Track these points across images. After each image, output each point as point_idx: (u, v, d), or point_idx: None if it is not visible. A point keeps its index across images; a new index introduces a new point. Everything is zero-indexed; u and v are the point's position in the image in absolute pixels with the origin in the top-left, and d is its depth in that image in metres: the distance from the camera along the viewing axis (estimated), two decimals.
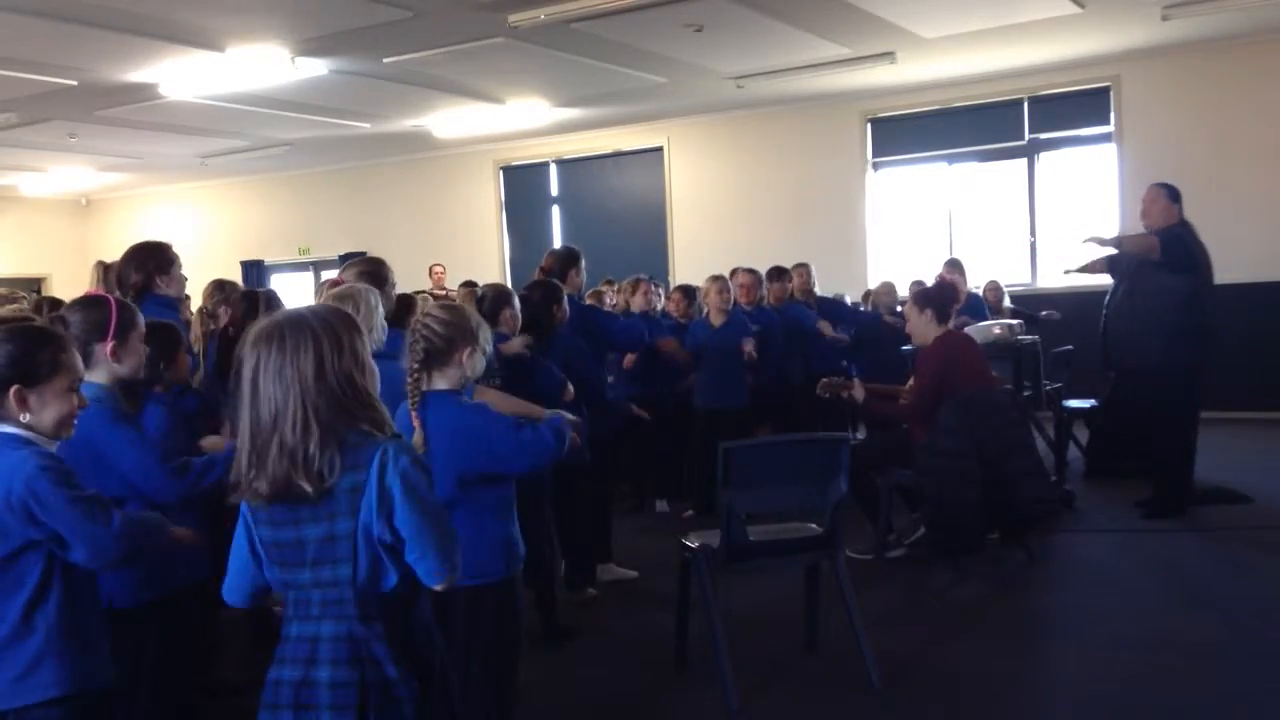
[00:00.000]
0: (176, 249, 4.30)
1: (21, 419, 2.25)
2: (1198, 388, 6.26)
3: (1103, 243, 6.38)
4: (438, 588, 2.02)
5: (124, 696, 2.59)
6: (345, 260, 14.33)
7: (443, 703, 2.13)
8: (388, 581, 2.03)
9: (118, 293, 3.69)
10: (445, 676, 2.16)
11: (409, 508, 1.98)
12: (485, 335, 2.96)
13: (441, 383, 2.89)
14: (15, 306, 4.81)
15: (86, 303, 2.90)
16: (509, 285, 6.44)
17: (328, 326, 2.02)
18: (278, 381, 1.98)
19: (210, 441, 3.31)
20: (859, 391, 5.58)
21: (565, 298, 5.03)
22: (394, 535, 2.00)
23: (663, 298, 8.24)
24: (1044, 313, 8.82)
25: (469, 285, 8.27)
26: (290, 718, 2.03)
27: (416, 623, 2.11)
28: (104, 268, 4.30)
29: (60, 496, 2.21)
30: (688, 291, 7.85)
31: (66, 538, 2.23)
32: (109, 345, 2.83)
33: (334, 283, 3.80)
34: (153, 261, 4.07)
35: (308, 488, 1.96)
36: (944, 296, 5.71)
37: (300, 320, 2.03)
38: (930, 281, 7.72)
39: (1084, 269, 6.63)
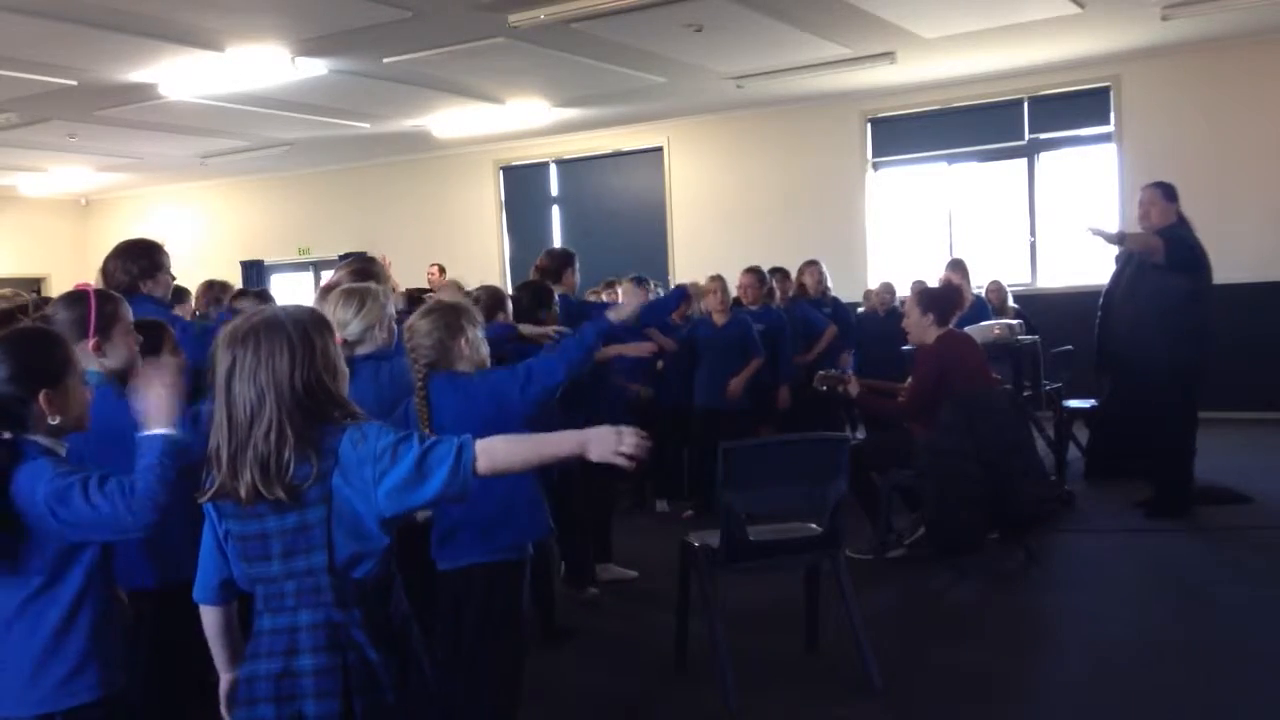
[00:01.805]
0: (176, 249, 4.28)
1: (52, 421, 2.25)
2: (1197, 388, 6.25)
3: (1107, 237, 6.37)
4: (473, 477, 1.94)
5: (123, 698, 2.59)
6: (345, 260, 14.31)
7: (420, 687, 2.12)
8: (362, 569, 2.02)
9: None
10: (421, 661, 2.15)
11: (402, 458, 1.95)
12: (470, 317, 2.99)
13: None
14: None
15: (69, 299, 2.88)
16: (508, 285, 6.47)
17: (301, 329, 2.02)
18: (252, 384, 1.97)
19: None
20: (854, 386, 5.59)
21: (555, 300, 5.05)
22: (398, 500, 1.95)
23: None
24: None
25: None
26: (271, 710, 2.01)
27: (394, 608, 2.10)
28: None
29: (72, 492, 2.18)
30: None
31: (91, 534, 2.21)
32: (91, 341, 2.81)
33: (329, 285, 3.80)
34: (137, 266, 4.03)
35: (281, 495, 1.95)
36: (948, 300, 5.70)
37: (275, 322, 2.02)
38: (928, 282, 7.73)
39: (1098, 232, 6.54)
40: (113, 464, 2.39)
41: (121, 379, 2.93)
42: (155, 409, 2.25)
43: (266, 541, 2.02)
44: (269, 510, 1.99)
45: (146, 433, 2.24)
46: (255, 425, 1.96)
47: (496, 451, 1.97)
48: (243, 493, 1.96)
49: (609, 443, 1.96)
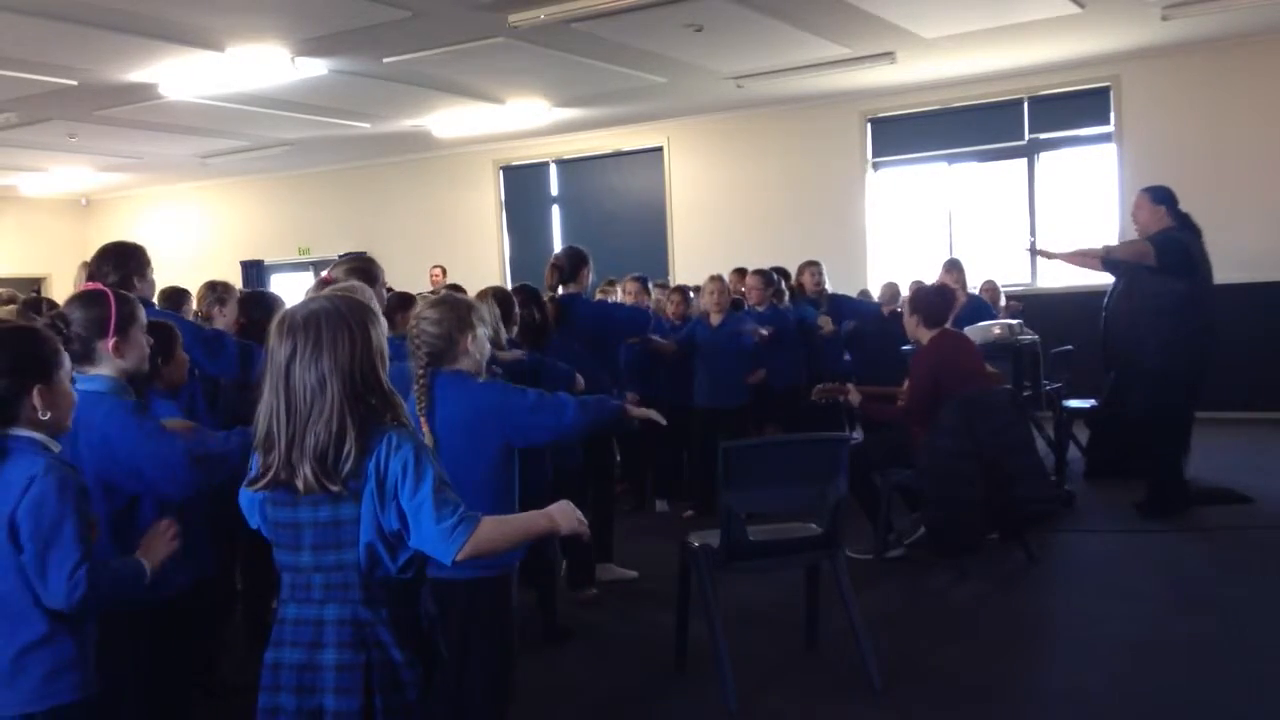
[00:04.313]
0: (176, 249, 4.28)
1: (42, 417, 2.24)
2: (1195, 391, 6.25)
3: (1101, 259, 6.37)
4: (451, 562, 1.99)
5: (113, 698, 2.58)
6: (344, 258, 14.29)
7: (445, 690, 2.13)
8: (386, 569, 2.03)
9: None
10: (448, 664, 2.17)
11: (412, 498, 1.98)
12: (479, 315, 2.95)
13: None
14: (12, 307, 4.79)
15: (86, 299, 2.85)
16: (508, 286, 6.46)
17: (358, 318, 2.04)
18: (313, 371, 1.98)
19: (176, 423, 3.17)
20: (854, 395, 5.58)
21: (545, 300, 5.06)
22: (401, 521, 2.00)
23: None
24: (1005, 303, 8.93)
25: (453, 289, 8.20)
26: (293, 700, 2.04)
27: (422, 609, 2.12)
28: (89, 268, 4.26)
29: (50, 521, 2.18)
30: (685, 292, 7.87)
31: (34, 571, 2.20)
32: (111, 341, 2.79)
33: (324, 280, 3.78)
34: (132, 262, 4.00)
35: (340, 488, 1.98)
36: (936, 301, 5.69)
37: (335, 310, 2.04)
38: (927, 282, 7.70)
39: (1045, 254, 6.60)
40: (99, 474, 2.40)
41: (130, 379, 2.93)
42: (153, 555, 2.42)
43: (298, 532, 2.04)
44: (304, 501, 2.01)
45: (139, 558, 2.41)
46: (315, 414, 1.97)
47: (482, 541, 2.00)
48: (300, 484, 1.98)
49: (571, 518, 2.17)
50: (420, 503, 1.97)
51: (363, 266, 3.85)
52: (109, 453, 2.71)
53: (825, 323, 7.74)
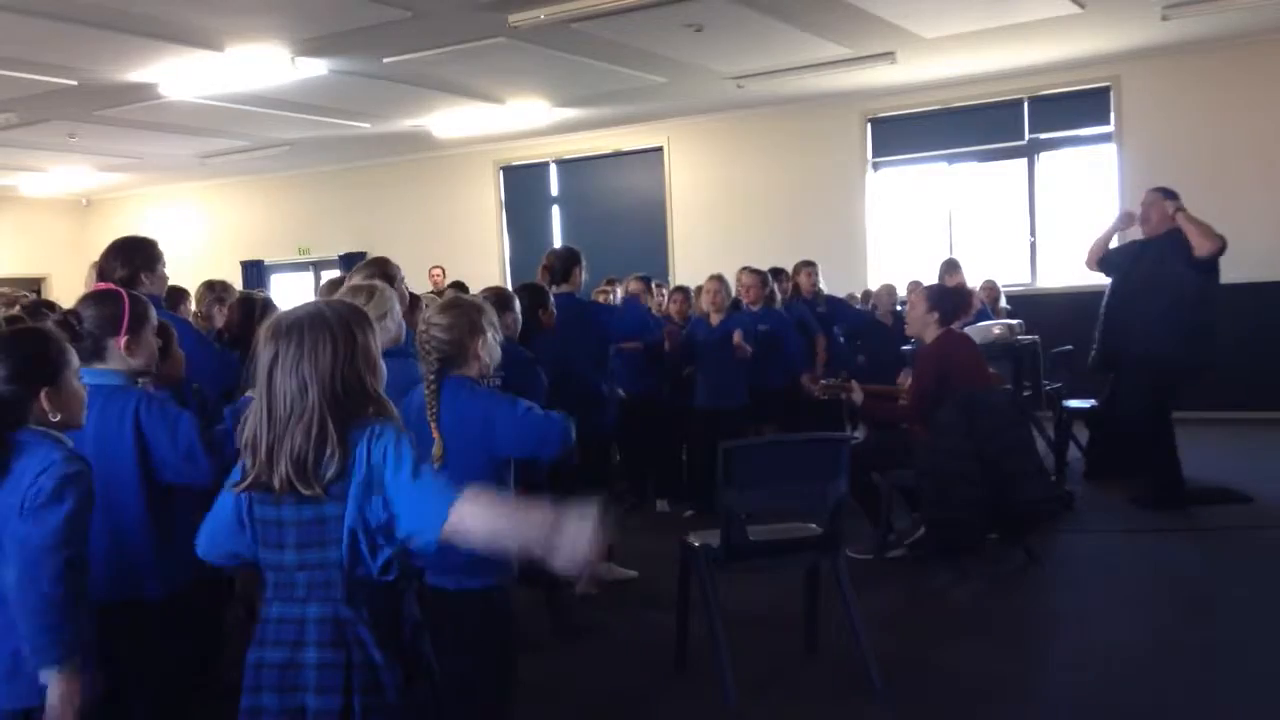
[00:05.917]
0: (176, 249, 4.26)
1: (53, 419, 2.25)
2: (1193, 385, 6.34)
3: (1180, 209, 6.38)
4: (436, 538, 1.97)
5: (116, 697, 2.57)
6: (345, 260, 14.33)
7: (426, 696, 2.12)
8: (367, 568, 2.03)
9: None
10: (431, 670, 2.15)
11: (395, 475, 1.98)
12: (490, 319, 2.96)
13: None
14: (17, 308, 4.79)
15: (100, 297, 2.90)
16: (509, 286, 6.47)
17: (344, 324, 2.04)
18: (293, 376, 1.99)
19: None
20: (857, 394, 5.57)
21: (551, 300, 5.05)
22: (388, 512, 1.99)
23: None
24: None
25: (457, 286, 8.22)
26: (275, 699, 2.03)
27: (406, 615, 2.11)
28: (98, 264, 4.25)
29: (51, 525, 2.17)
30: (686, 292, 7.86)
31: (13, 560, 2.19)
32: (123, 339, 2.83)
33: (337, 282, 3.78)
34: (140, 257, 3.97)
35: (317, 491, 1.98)
36: (955, 301, 5.67)
37: (320, 316, 2.04)
38: (926, 282, 7.70)
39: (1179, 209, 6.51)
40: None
41: (135, 378, 2.95)
42: None
43: (281, 530, 2.04)
44: (287, 499, 2.01)
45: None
46: (294, 419, 1.98)
47: (467, 525, 1.96)
48: (277, 484, 1.99)
49: (574, 552, 1.96)
50: (407, 477, 1.97)
51: (379, 269, 3.86)
52: (152, 440, 2.75)
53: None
